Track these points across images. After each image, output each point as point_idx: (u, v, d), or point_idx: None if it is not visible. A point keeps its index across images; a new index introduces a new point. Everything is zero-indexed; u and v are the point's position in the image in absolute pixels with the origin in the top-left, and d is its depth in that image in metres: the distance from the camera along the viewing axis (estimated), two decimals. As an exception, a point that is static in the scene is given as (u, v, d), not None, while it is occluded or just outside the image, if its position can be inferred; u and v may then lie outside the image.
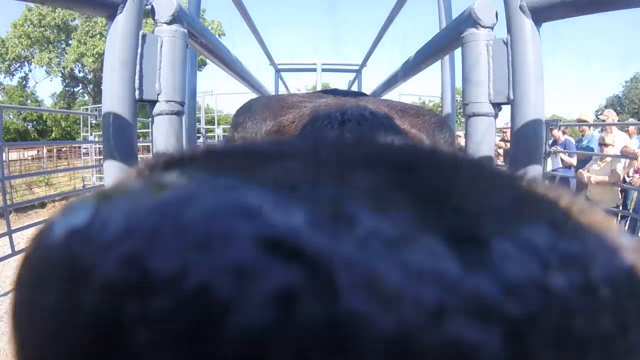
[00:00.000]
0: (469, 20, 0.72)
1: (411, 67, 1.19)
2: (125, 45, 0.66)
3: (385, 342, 0.07)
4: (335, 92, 0.57)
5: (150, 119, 0.74)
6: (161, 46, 0.68)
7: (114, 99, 0.66)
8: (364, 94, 0.57)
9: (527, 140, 0.68)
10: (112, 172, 0.67)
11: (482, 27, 0.71)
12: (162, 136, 0.69)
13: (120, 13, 0.65)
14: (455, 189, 0.11)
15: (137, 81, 0.68)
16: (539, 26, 0.66)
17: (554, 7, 0.62)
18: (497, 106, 0.73)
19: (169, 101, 0.67)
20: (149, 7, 0.74)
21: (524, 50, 0.65)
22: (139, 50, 0.67)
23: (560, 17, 0.64)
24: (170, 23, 0.68)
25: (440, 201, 0.10)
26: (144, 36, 0.67)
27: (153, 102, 0.69)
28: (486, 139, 0.75)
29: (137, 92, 0.68)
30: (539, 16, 0.64)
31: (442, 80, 1.56)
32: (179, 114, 0.69)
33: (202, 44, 0.86)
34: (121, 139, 0.67)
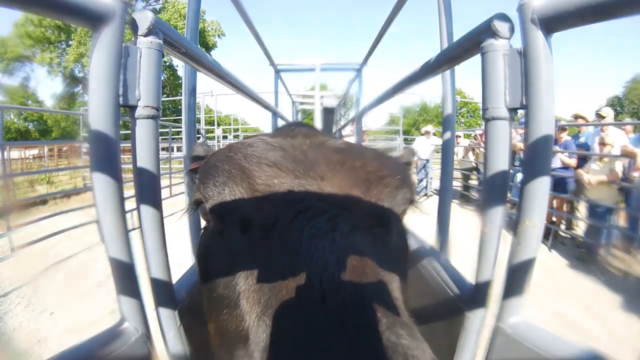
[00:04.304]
0: (489, 31, 0.80)
1: (428, 71, 1.24)
2: (110, 56, 0.72)
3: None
4: (308, 131, 0.76)
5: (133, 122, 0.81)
6: (140, 56, 0.75)
7: (100, 104, 0.73)
8: (334, 136, 0.70)
9: (538, 141, 0.74)
10: (98, 169, 0.73)
11: (501, 38, 0.78)
12: (141, 137, 0.76)
13: (106, 27, 0.71)
14: None
15: (120, 88, 0.75)
16: (550, 36, 0.72)
17: (562, 19, 0.68)
18: (513, 111, 0.80)
19: (146, 106, 0.75)
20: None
21: (536, 59, 0.72)
22: (122, 61, 0.74)
23: (568, 27, 0.70)
24: (146, 35, 0.75)
25: None
26: (126, 48, 0.74)
27: (134, 107, 0.76)
28: (503, 139, 0.83)
29: (120, 99, 0.75)
30: (549, 27, 0.71)
31: (442, 80, 1.58)
32: (154, 117, 0.76)
33: (180, 52, 0.93)
34: (106, 139, 0.73)
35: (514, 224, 0.81)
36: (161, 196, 0.87)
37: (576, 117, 6.27)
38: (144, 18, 0.74)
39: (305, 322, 0.39)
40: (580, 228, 6.09)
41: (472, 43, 0.87)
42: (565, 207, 6.15)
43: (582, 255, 5.38)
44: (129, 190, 1.07)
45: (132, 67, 0.75)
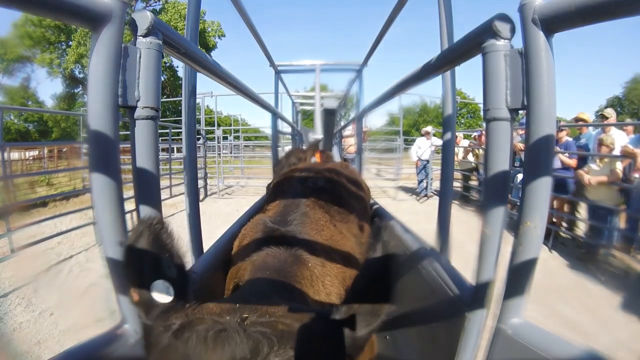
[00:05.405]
0: (490, 32, 0.79)
1: (428, 72, 1.24)
2: (109, 56, 0.72)
3: None
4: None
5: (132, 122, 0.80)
6: (140, 57, 0.75)
7: (99, 104, 0.73)
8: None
9: (539, 142, 0.74)
10: (97, 170, 0.73)
11: (502, 38, 0.78)
12: (140, 138, 0.76)
13: (105, 27, 0.71)
14: None
15: (120, 89, 0.74)
16: (551, 37, 0.72)
17: (563, 20, 0.68)
18: (514, 111, 0.80)
19: (145, 107, 0.75)
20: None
21: (537, 60, 0.72)
22: (122, 62, 0.74)
23: (569, 28, 0.69)
24: (146, 35, 0.75)
25: None
26: (125, 48, 0.74)
27: (133, 108, 0.76)
28: (504, 140, 0.83)
29: (120, 99, 0.75)
30: (550, 28, 0.71)
31: (442, 81, 1.57)
32: (154, 118, 0.76)
33: (180, 52, 0.93)
34: (105, 140, 0.73)
35: (515, 225, 0.80)
36: (161, 197, 0.87)
37: (577, 119, 6.25)
38: (144, 18, 0.74)
39: None
40: (581, 229, 6.08)
41: (473, 43, 0.87)
42: (565, 208, 6.14)
43: (583, 255, 5.37)
44: (129, 191, 1.07)
45: (132, 67, 0.75)
